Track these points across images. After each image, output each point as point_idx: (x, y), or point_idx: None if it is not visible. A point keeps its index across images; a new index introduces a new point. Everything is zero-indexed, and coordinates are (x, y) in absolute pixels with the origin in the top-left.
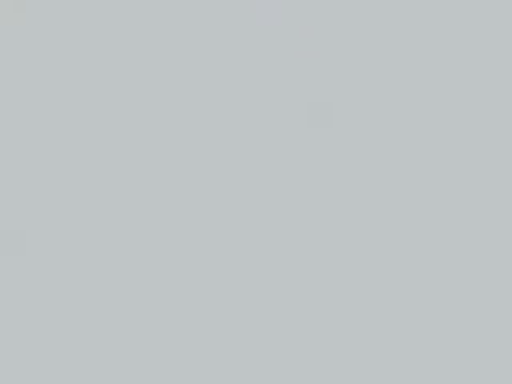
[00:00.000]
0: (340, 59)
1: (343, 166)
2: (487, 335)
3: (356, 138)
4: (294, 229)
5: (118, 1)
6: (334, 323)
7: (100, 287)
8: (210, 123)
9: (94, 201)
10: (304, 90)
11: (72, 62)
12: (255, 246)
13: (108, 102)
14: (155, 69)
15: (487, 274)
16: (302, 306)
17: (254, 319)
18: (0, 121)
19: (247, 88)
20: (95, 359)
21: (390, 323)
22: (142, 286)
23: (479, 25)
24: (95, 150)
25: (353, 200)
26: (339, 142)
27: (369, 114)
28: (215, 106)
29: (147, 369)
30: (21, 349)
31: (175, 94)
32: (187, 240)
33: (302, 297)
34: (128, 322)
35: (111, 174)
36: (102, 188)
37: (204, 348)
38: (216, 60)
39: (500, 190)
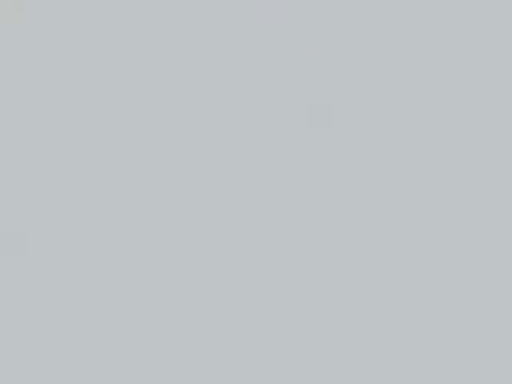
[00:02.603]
0: (340, 59)
1: (343, 165)
2: (487, 335)
3: (356, 138)
4: (293, 228)
5: (118, 1)
6: (334, 323)
7: (100, 287)
8: (210, 123)
9: (94, 201)
10: (304, 89)
11: (72, 62)
12: (255, 245)
13: (108, 102)
14: (155, 69)
15: (487, 273)
16: (301, 305)
17: (253, 319)
18: (0, 121)
19: (247, 88)
20: (95, 359)
21: (390, 323)
22: (142, 285)
23: (479, 25)
24: (95, 150)
25: (353, 200)
26: (339, 142)
27: (369, 114)
28: (215, 106)
29: (147, 369)
30: (21, 349)
31: (175, 94)
32: (187, 240)
33: (302, 296)
34: (128, 322)
35: (111, 174)
36: (102, 188)
37: (204, 348)
38: (216, 60)
39: (500, 190)
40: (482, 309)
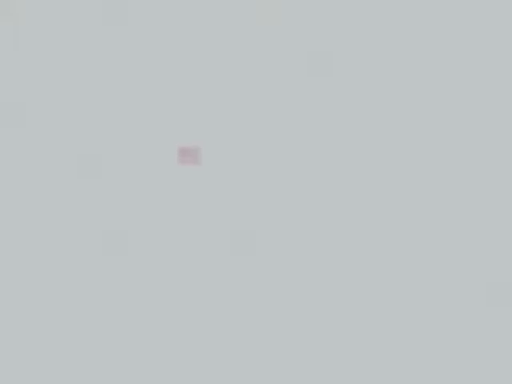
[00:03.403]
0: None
1: (344, 115)
2: (487, 335)
3: (356, 88)
4: (292, 182)
5: (118, 1)
6: (333, 321)
7: (100, 287)
8: (211, 74)
9: (93, 201)
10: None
11: (71, 61)
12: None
13: (107, 102)
14: (154, 64)
15: (487, 273)
16: (298, 297)
17: (253, 319)
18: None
19: (246, 35)
20: (95, 358)
21: (390, 322)
22: (142, 285)
23: None
24: (94, 150)
25: (352, 146)
26: (339, 91)
27: (369, 63)
28: (216, 54)
29: (147, 368)
30: (20, 348)
31: (174, 93)
32: (187, 235)
33: (299, 286)
34: (128, 321)
35: (111, 174)
36: (102, 188)
37: (204, 348)
38: (217, 11)
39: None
40: (481, 308)
